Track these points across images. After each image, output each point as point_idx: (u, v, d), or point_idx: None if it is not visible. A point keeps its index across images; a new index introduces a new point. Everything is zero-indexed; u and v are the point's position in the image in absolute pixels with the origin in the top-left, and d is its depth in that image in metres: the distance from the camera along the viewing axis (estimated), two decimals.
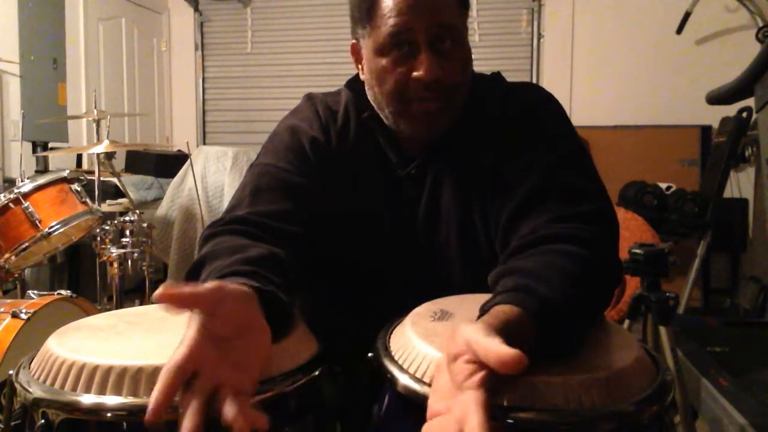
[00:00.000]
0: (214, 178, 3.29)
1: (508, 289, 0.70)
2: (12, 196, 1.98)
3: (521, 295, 0.68)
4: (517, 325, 0.64)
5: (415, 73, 0.91)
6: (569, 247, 0.77)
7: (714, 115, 3.59)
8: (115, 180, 2.82)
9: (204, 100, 4.86)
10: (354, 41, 1.01)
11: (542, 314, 0.66)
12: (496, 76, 1.06)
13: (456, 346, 0.60)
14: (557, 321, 0.67)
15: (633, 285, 2.00)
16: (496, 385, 0.58)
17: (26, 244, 1.98)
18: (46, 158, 3.29)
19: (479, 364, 0.57)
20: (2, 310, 1.57)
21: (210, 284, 0.65)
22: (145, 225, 2.37)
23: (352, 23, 0.99)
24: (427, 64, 0.90)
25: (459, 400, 0.57)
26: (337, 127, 1.04)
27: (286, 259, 0.85)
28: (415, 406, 0.63)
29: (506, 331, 0.62)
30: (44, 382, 0.69)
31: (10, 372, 0.74)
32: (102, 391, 0.65)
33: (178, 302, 0.62)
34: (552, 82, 4.15)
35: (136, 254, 2.33)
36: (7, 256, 1.97)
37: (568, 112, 1.01)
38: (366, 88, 1.01)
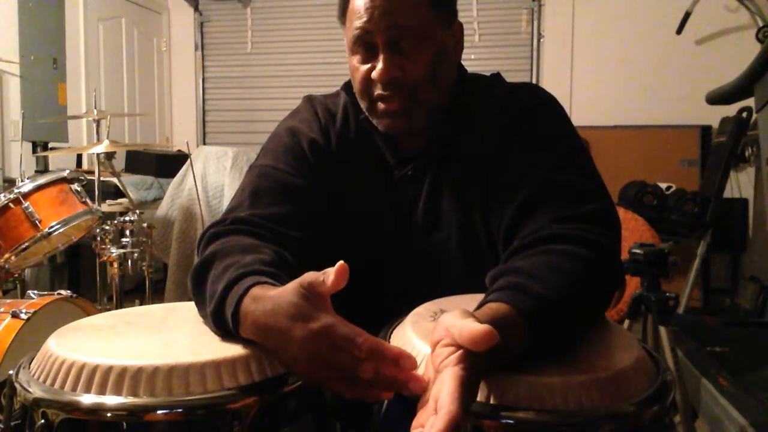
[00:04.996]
0: (214, 178, 3.29)
1: (500, 288, 0.70)
2: (12, 196, 1.98)
3: (511, 293, 0.68)
4: (504, 322, 0.64)
5: (373, 73, 0.95)
6: (569, 247, 0.77)
7: (714, 115, 3.59)
8: (115, 180, 2.82)
9: (204, 100, 4.86)
10: None
11: (533, 312, 0.66)
12: (496, 77, 1.06)
13: (437, 335, 0.62)
14: (550, 319, 0.67)
15: (633, 285, 2.00)
16: (476, 366, 0.59)
17: (26, 244, 1.98)
18: (46, 158, 3.29)
19: (456, 346, 0.59)
20: (2, 310, 1.57)
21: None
22: (145, 225, 2.37)
23: None
24: (383, 66, 0.93)
25: (437, 381, 0.59)
26: (337, 128, 1.04)
27: (292, 260, 0.85)
28: (415, 406, 0.63)
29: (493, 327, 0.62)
30: (44, 382, 0.69)
31: (10, 372, 0.74)
32: (102, 391, 0.65)
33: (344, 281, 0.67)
34: (552, 82, 4.15)
35: (136, 254, 2.33)
36: (7, 256, 1.96)
37: (568, 112, 1.01)
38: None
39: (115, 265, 2.30)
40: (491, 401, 0.63)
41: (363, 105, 1.00)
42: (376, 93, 0.96)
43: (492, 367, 0.63)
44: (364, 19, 0.93)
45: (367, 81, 0.96)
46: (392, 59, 0.93)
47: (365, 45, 0.95)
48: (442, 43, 0.97)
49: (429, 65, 0.95)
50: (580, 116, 3.92)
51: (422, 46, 0.94)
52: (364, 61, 0.96)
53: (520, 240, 0.82)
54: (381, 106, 0.97)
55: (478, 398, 0.63)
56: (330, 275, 0.68)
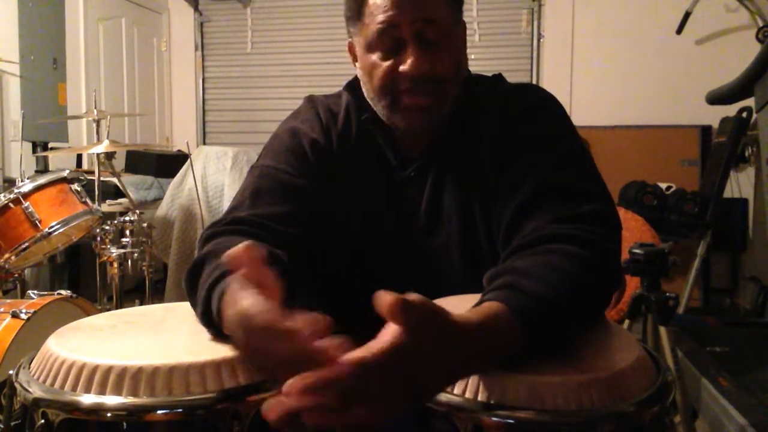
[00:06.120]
0: (214, 178, 3.29)
1: (496, 288, 0.70)
2: (12, 196, 1.98)
3: (506, 292, 0.68)
4: (497, 322, 0.64)
5: (402, 67, 0.93)
6: (568, 247, 0.77)
7: (714, 115, 3.59)
8: (115, 180, 2.82)
9: (204, 100, 4.86)
10: (349, 40, 1.03)
11: (528, 310, 0.66)
12: (497, 78, 1.06)
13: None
14: (545, 317, 0.66)
15: (633, 285, 2.00)
16: (425, 342, 0.57)
17: (26, 244, 1.98)
18: (46, 158, 3.29)
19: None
20: (2, 310, 1.57)
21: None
22: (145, 225, 2.37)
23: (346, 23, 1.01)
24: (414, 59, 0.92)
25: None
26: (338, 129, 1.04)
27: (286, 261, 0.85)
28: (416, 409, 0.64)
29: (485, 327, 0.62)
30: (44, 382, 0.69)
31: (10, 372, 0.74)
32: (102, 391, 0.65)
33: (246, 262, 0.65)
34: (552, 82, 4.15)
35: (136, 254, 2.33)
36: (7, 256, 1.96)
37: (568, 112, 1.01)
38: (362, 85, 1.03)
39: (115, 265, 2.30)
40: (491, 401, 0.63)
41: (383, 102, 0.97)
42: (402, 87, 0.94)
43: (489, 366, 0.63)
44: (391, 12, 0.92)
45: (392, 77, 0.94)
46: (422, 53, 0.92)
47: (390, 39, 0.93)
48: (460, 39, 0.98)
49: (454, 60, 0.95)
50: (580, 116, 3.91)
51: (447, 41, 0.94)
52: (386, 57, 0.94)
53: (519, 240, 0.82)
54: (407, 100, 0.95)
55: (479, 398, 0.63)
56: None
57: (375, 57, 0.96)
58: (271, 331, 0.59)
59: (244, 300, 0.63)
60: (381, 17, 0.93)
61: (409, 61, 0.92)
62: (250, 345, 0.64)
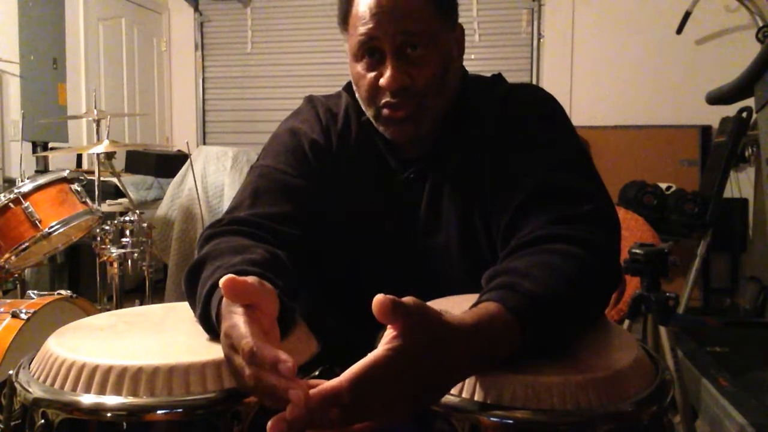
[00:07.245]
0: (214, 178, 3.29)
1: (493, 288, 0.70)
2: (12, 196, 1.98)
3: (503, 291, 0.68)
4: (494, 322, 0.64)
5: (381, 81, 0.93)
6: (565, 246, 0.77)
7: (714, 115, 3.59)
8: (115, 180, 2.82)
9: (204, 100, 4.86)
10: None
11: (524, 309, 0.65)
12: (497, 78, 1.06)
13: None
14: (542, 317, 0.66)
15: (633, 285, 2.00)
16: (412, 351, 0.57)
17: (26, 244, 1.98)
18: (46, 158, 3.29)
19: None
20: (2, 310, 1.57)
21: (253, 279, 0.67)
22: (145, 225, 2.37)
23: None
24: (390, 73, 0.92)
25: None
26: (338, 129, 1.04)
27: (286, 260, 0.85)
28: None
29: (481, 328, 0.62)
30: (44, 382, 0.69)
31: (10, 372, 0.74)
32: (102, 391, 0.66)
33: (241, 291, 0.64)
34: (552, 82, 4.15)
35: (136, 254, 2.33)
36: (7, 256, 1.96)
37: (568, 112, 1.01)
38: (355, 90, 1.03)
39: (115, 265, 2.31)
40: (488, 401, 0.63)
41: (369, 113, 0.99)
42: (383, 101, 0.95)
43: (487, 367, 0.63)
44: (370, 25, 0.91)
45: (375, 89, 0.94)
46: (400, 66, 0.92)
47: (371, 51, 0.94)
48: (448, 47, 0.97)
49: (436, 71, 0.94)
50: (580, 116, 3.92)
51: (429, 52, 0.93)
52: (370, 68, 0.95)
53: (517, 240, 0.82)
54: (387, 112, 0.95)
55: (476, 398, 0.63)
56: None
57: (360, 67, 0.96)
58: (246, 358, 0.58)
59: (226, 320, 0.64)
60: (362, 29, 0.92)
61: (386, 75, 0.92)
62: (227, 360, 0.63)
